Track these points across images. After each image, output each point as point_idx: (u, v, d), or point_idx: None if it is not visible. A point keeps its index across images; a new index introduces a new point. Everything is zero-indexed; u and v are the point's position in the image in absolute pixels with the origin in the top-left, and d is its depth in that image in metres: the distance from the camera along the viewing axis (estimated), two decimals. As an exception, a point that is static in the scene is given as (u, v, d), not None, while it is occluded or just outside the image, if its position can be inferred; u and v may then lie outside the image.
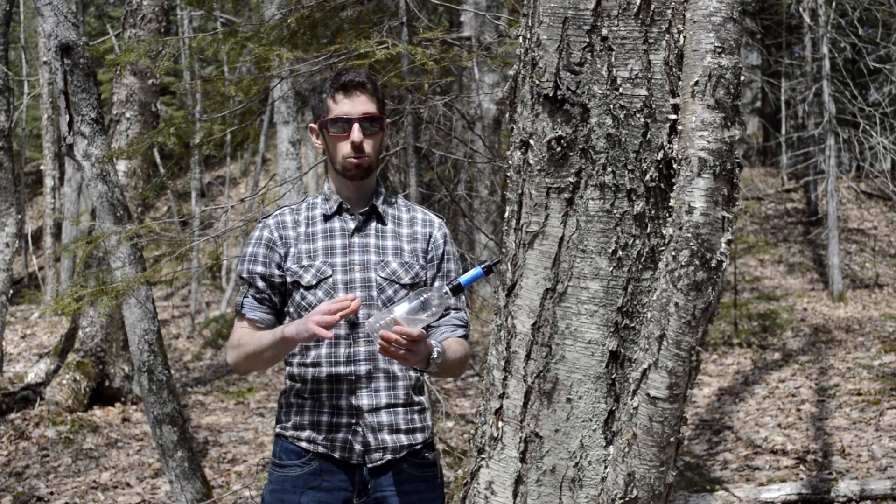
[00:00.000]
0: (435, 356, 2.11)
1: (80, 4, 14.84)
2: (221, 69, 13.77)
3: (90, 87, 4.20)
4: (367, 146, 2.25)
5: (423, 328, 2.07)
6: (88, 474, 6.18)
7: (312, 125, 2.34)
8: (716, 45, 1.74)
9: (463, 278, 2.13)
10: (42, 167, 17.36)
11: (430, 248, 2.33)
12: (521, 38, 1.95)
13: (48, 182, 16.17)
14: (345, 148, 2.24)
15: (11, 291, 10.09)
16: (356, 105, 2.24)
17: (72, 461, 6.48)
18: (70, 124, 4.20)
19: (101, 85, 4.72)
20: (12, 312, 14.45)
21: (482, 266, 2.14)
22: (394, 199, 2.38)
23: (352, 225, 2.29)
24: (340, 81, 2.25)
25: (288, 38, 4.38)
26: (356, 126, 2.22)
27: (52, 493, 5.77)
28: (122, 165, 7.52)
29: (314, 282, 2.23)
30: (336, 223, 2.29)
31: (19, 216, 10.11)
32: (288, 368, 2.29)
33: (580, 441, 1.88)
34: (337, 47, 3.94)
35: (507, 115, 2.03)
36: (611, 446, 1.87)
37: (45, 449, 6.74)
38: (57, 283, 14.95)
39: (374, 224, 2.31)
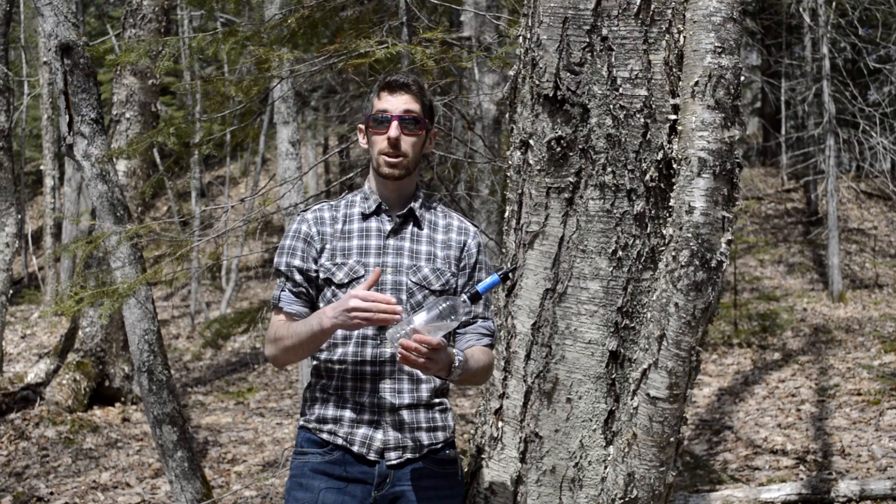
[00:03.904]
0: (456, 364, 2.12)
1: (80, 4, 14.84)
2: (221, 69, 13.78)
3: (90, 87, 4.20)
4: (405, 144, 2.25)
5: (444, 335, 2.08)
6: (88, 474, 6.18)
7: (360, 126, 2.36)
8: (716, 45, 1.74)
9: (480, 286, 2.13)
10: (42, 167, 17.36)
11: (463, 256, 2.34)
12: (521, 38, 1.95)
13: (48, 182, 16.17)
14: (382, 144, 2.26)
15: (11, 291, 10.10)
16: (398, 103, 2.25)
17: (72, 461, 6.48)
18: (70, 124, 4.20)
19: (101, 85, 4.72)
20: (12, 312, 14.46)
21: (499, 273, 2.14)
22: (432, 204, 2.39)
23: (388, 226, 2.30)
24: (387, 81, 2.28)
25: (288, 38, 4.38)
26: (395, 123, 2.23)
27: (52, 493, 5.77)
28: (121, 165, 7.53)
29: (346, 280, 2.24)
30: (373, 223, 2.30)
31: (19, 216, 10.11)
32: (314, 363, 2.32)
33: (580, 441, 1.88)
34: (337, 47, 3.94)
35: (507, 115, 2.03)
36: (611, 446, 1.87)
37: (45, 449, 6.74)
38: (57, 283, 14.95)
39: (410, 227, 2.31)
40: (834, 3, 12.88)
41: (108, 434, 7.18)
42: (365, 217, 2.31)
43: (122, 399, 8.06)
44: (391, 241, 2.28)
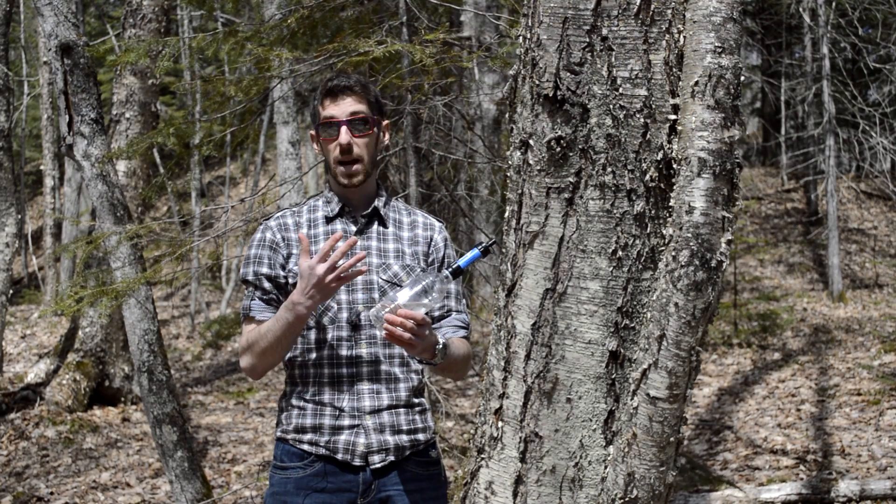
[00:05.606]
0: (440, 346, 2.11)
1: (80, 4, 14.84)
2: (221, 69, 13.78)
3: (90, 87, 4.20)
4: (358, 148, 2.24)
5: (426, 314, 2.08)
6: (88, 474, 6.18)
7: (312, 132, 2.35)
8: (716, 45, 1.74)
9: (462, 261, 2.13)
10: (42, 167, 17.36)
11: (430, 251, 2.35)
12: (521, 38, 1.95)
13: (48, 182, 16.18)
14: (335, 151, 2.25)
15: (11, 291, 10.09)
16: (343, 107, 2.24)
17: (72, 461, 6.48)
18: (70, 124, 4.20)
19: (101, 85, 4.72)
20: (12, 312, 14.45)
21: (479, 247, 2.14)
22: (394, 202, 2.39)
23: (353, 227, 2.29)
24: (328, 87, 2.26)
25: (288, 38, 4.38)
26: (343, 128, 2.22)
27: (52, 493, 5.77)
28: (122, 165, 7.53)
29: None
30: (338, 225, 2.29)
31: (19, 216, 10.11)
32: (288, 371, 2.29)
33: (580, 441, 1.88)
34: (336, 47, 3.94)
35: (507, 115, 2.03)
36: (611, 446, 1.87)
37: (45, 449, 6.74)
38: (57, 283, 14.95)
39: (375, 226, 2.31)
40: (834, 3, 12.89)
41: (108, 434, 7.18)
42: (329, 220, 2.29)
43: (122, 399, 8.06)
44: (358, 242, 2.27)
